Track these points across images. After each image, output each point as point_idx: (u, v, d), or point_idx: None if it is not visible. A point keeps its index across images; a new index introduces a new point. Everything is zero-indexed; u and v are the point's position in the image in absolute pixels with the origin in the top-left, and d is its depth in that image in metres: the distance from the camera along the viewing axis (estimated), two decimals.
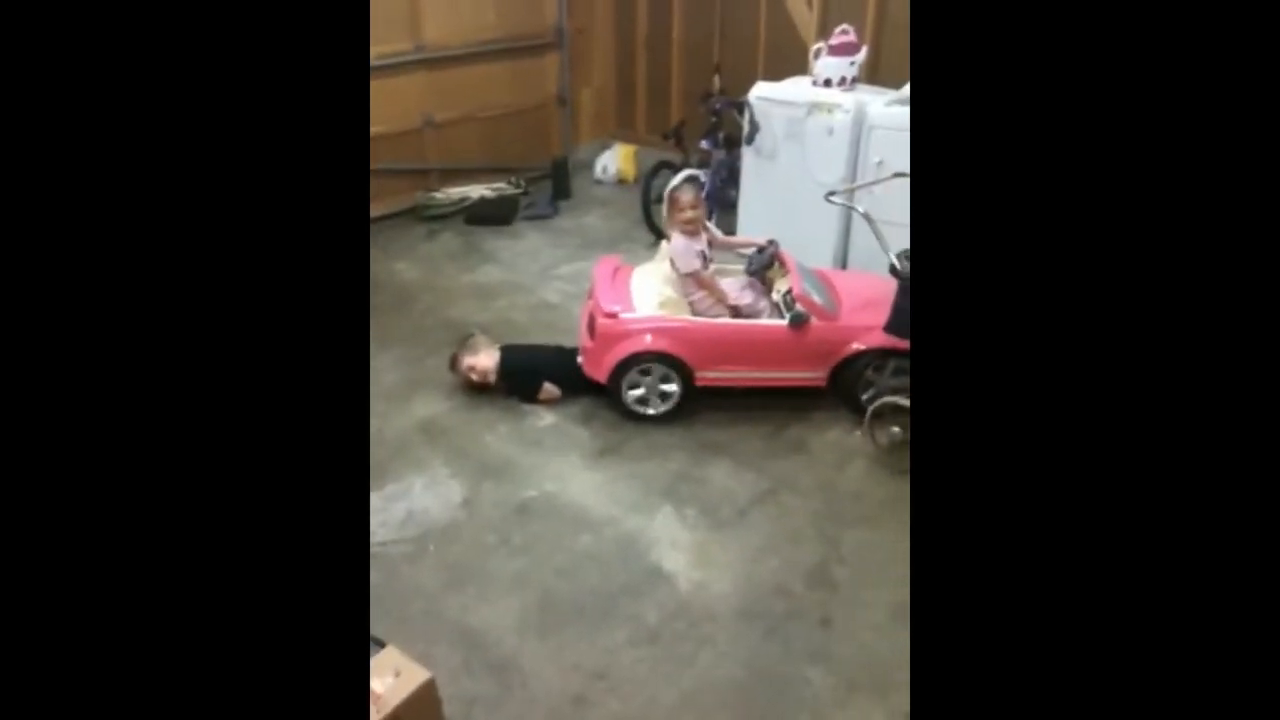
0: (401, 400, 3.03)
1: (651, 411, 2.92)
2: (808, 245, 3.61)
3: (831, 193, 2.76)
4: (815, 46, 3.76)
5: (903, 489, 2.58)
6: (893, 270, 2.66)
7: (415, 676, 1.74)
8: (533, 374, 3.01)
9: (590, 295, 3.04)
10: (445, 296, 3.85)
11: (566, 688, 1.91)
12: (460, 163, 4.96)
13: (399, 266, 4.15)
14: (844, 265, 3.85)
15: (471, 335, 3.14)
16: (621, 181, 5.36)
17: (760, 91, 3.83)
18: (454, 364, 3.08)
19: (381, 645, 1.87)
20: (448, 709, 1.83)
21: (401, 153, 4.69)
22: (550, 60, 5.27)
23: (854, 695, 1.90)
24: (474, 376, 3.03)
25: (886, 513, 2.49)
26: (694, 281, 2.97)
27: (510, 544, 2.35)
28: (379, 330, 3.52)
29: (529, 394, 2.99)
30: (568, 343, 3.15)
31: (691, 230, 3.00)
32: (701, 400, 2.94)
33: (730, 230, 4.19)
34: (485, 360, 3.02)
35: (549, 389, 2.99)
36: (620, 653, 2.01)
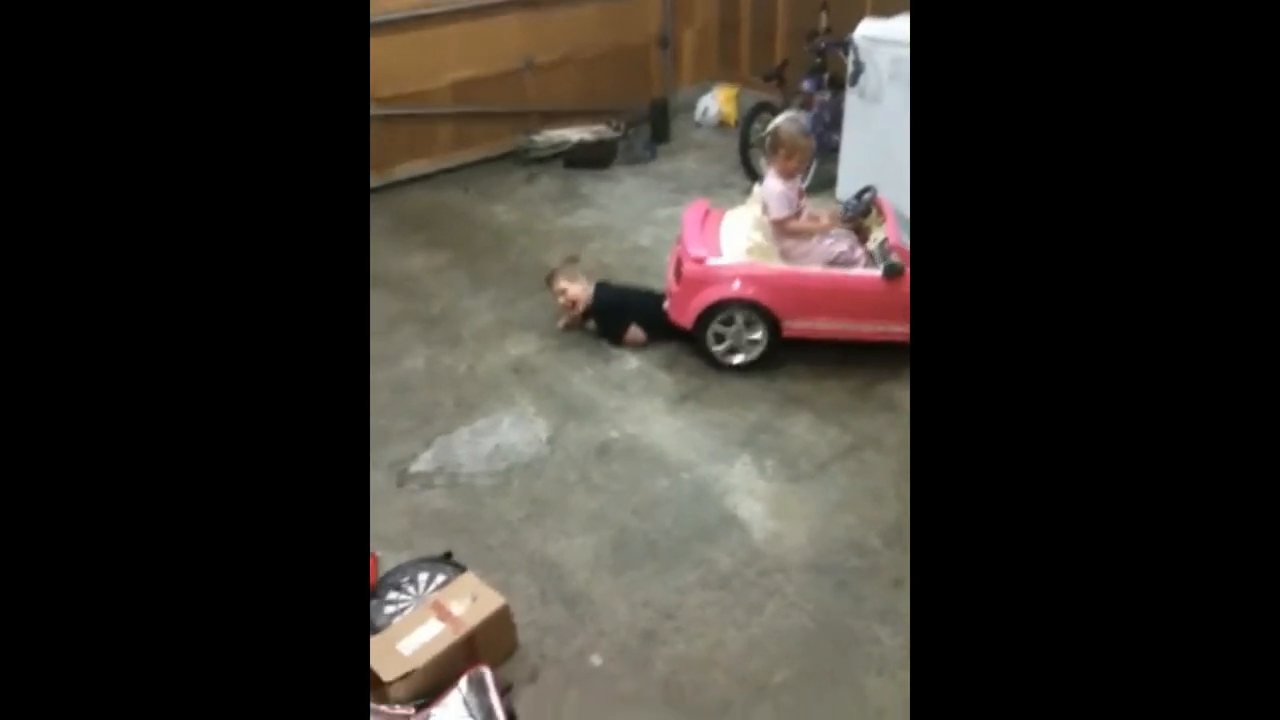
0: (495, 340, 3.12)
1: (736, 360, 2.90)
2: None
3: None
4: None
5: None
6: None
7: (491, 602, 1.85)
8: (620, 314, 3.03)
9: (679, 239, 3.02)
10: (541, 239, 3.91)
11: (636, 623, 1.97)
12: (560, 105, 4.96)
13: (497, 209, 4.24)
14: None
15: (575, 259, 3.18)
16: (722, 124, 5.24)
17: (865, 30, 3.63)
18: (550, 281, 3.13)
19: (461, 569, 1.98)
20: (521, 635, 1.93)
21: (501, 95, 4.73)
22: (652, 0, 5.15)
23: None
24: (563, 300, 3.07)
25: None
26: (785, 229, 2.90)
27: (590, 482, 2.42)
28: (476, 272, 3.62)
29: (615, 335, 3.03)
30: (659, 287, 3.15)
31: (791, 173, 2.91)
32: (787, 351, 2.89)
33: (830, 177, 4.06)
34: (579, 290, 3.06)
35: (634, 332, 3.02)
36: (690, 594, 2.05)
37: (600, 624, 1.97)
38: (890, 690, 1.82)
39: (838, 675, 1.86)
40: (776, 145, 2.93)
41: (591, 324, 3.11)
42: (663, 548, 2.19)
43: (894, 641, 1.92)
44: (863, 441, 2.57)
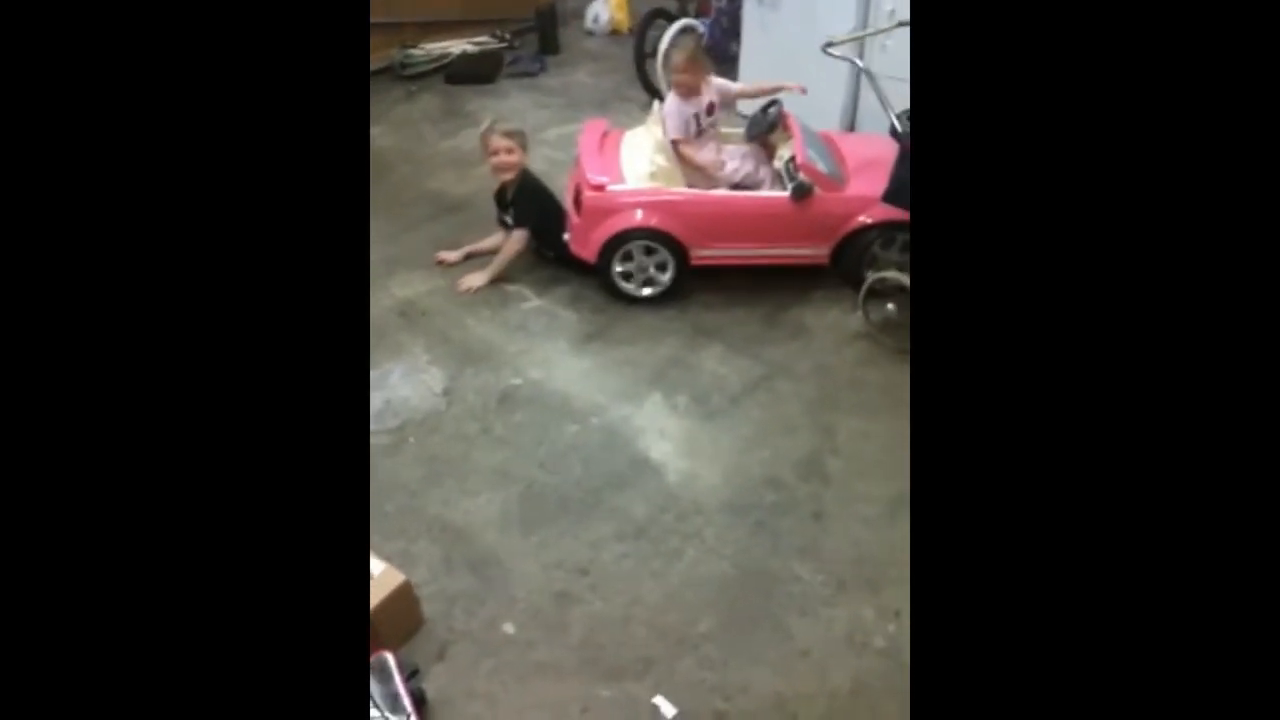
0: (379, 280, 2.86)
1: (643, 293, 2.75)
2: (814, 105, 3.31)
3: (829, 43, 2.47)
4: None
5: (903, 373, 2.46)
6: (893, 132, 2.42)
7: (390, 579, 1.70)
8: (542, 213, 2.82)
9: (577, 164, 2.80)
10: (424, 165, 3.60)
11: (549, 585, 1.87)
12: (439, 15, 4.54)
13: (374, 132, 3.87)
14: (852, 127, 3.56)
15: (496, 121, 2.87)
16: (615, 32, 4.95)
17: None
18: (486, 136, 2.81)
19: None
20: (427, 607, 1.79)
21: (373, 6, 4.26)
22: None
23: (844, 592, 1.86)
24: (496, 160, 2.77)
25: (885, 399, 2.37)
26: (678, 150, 2.71)
27: (492, 434, 2.26)
28: None
29: (533, 224, 2.82)
30: None
31: (686, 92, 2.71)
32: (696, 280, 2.77)
33: None
34: (517, 159, 2.77)
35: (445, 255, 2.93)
36: (604, 548, 1.95)
37: (511, 588, 1.86)
38: (814, 629, 1.79)
39: (760, 619, 1.81)
40: (666, 66, 2.75)
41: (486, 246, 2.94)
42: (574, 500, 2.07)
43: (814, 579, 1.89)
44: (774, 371, 2.50)
